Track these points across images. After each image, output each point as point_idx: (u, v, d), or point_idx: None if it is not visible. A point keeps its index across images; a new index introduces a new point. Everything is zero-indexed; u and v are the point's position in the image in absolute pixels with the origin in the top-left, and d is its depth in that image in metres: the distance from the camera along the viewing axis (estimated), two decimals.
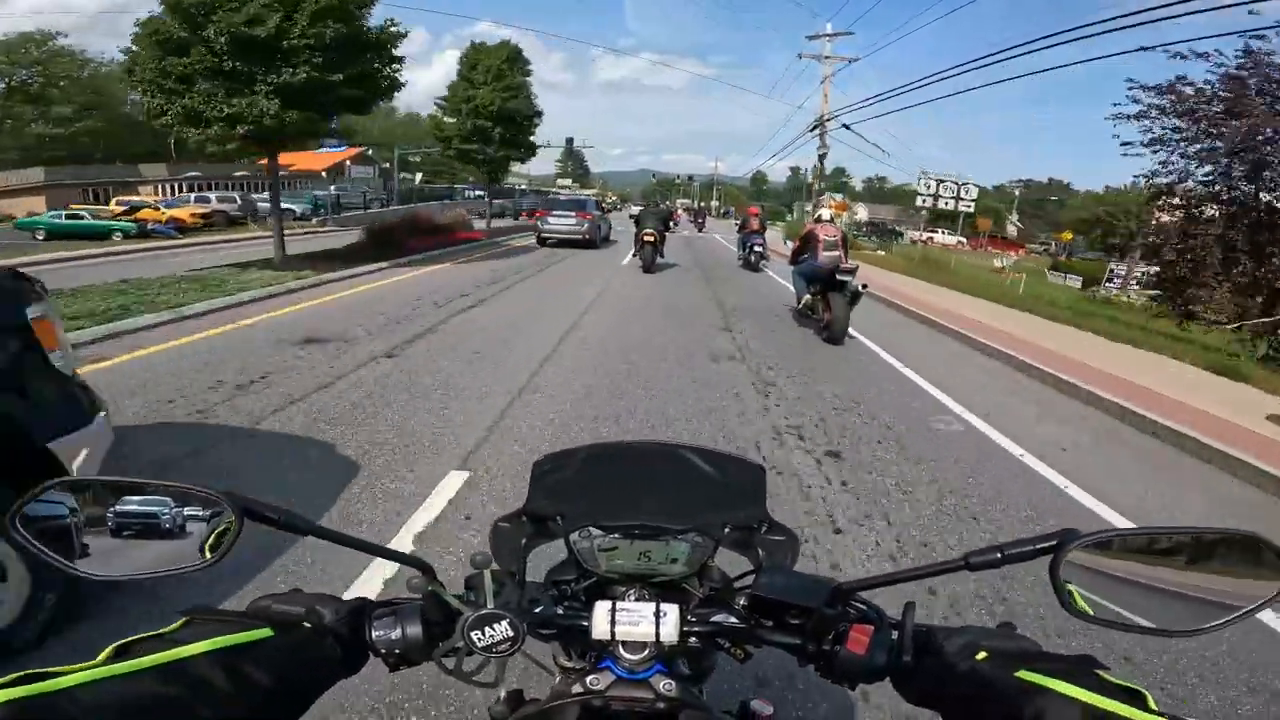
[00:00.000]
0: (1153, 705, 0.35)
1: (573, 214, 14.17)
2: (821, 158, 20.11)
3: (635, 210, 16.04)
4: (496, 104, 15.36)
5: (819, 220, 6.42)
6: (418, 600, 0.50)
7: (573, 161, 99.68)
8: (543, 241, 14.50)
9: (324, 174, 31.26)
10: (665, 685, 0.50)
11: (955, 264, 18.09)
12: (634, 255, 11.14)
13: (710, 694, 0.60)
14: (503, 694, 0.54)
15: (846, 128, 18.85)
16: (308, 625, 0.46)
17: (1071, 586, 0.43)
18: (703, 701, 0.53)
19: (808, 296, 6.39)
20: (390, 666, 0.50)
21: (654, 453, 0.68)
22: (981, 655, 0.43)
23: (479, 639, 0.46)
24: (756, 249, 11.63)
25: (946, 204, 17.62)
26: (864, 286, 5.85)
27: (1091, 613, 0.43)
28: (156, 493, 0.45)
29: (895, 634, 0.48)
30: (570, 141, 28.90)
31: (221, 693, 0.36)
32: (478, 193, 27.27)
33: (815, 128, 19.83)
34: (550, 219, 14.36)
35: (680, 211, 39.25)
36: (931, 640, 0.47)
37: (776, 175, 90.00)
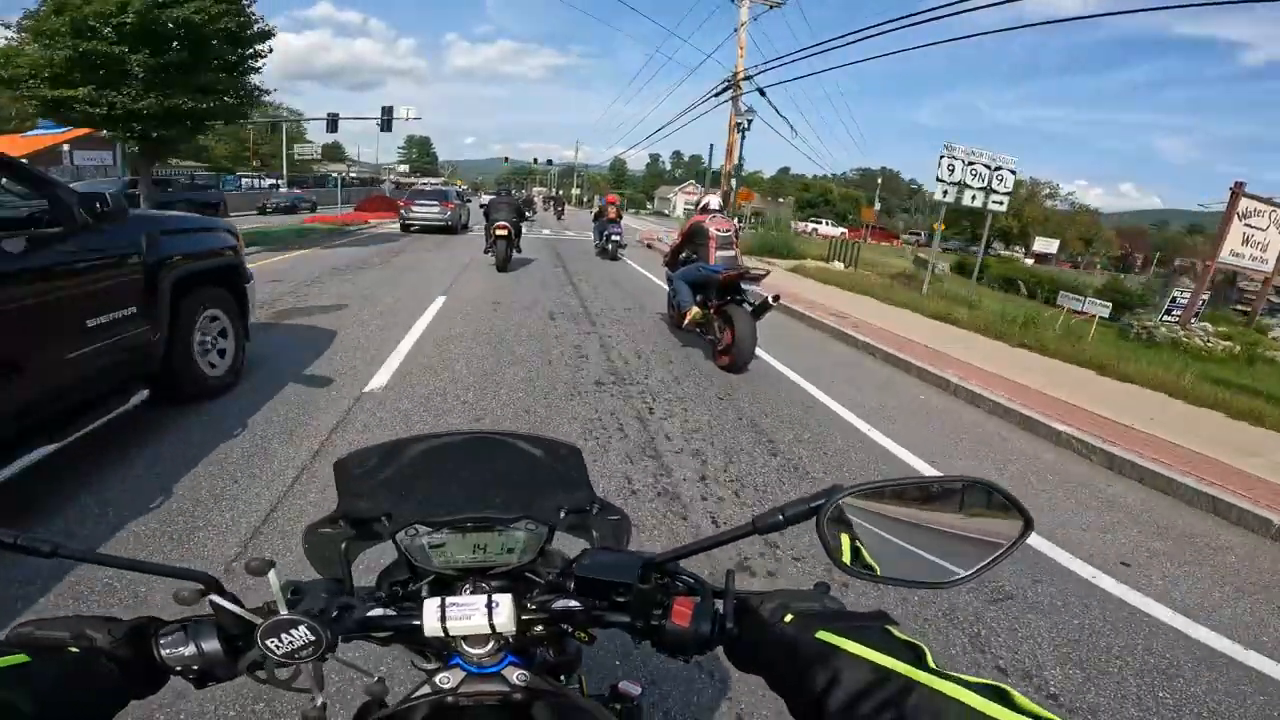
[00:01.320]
0: (930, 662, 0.39)
1: (436, 203, 16.16)
2: (741, 130, 15.72)
3: (485, 200, 15.70)
4: (141, 9, 8.63)
5: (706, 210, 5.24)
6: (210, 615, 0.50)
7: (417, 148, 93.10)
8: (406, 228, 16.03)
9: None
10: (519, 676, 0.51)
11: (858, 259, 15.68)
12: (486, 250, 9.92)
13: (591, 683, 0.60)
14: (319, 700, 0.53)
15: (761, 93, 15.68)
16: (74, 650, 0.45)
17: (857, 542, 0.48)
18: (561, 688, 0.54)
19: (694, 309, 4.96)
20: (195, 684, 0.50)
21: (473, 442, 0.68)
22: (789, 617, 0.46)
23: (276, 646, 0.46)
24: (614, 238, 12.27)
25: (974, 198, 11.01)
26: (775, 298, 4.68)
27: (865, 568, 0.48)
28: None
29: (719, 603, 0.51)
30: (387, 114, 22.22)
31: None
32: (271, 182, 23.84)
33: (727, 89, 15.87)
34: (415, 207, 16.18)
35: (538, 200, 38.79)
36: (749, 607, 0.50)
37: (635, 163, 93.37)
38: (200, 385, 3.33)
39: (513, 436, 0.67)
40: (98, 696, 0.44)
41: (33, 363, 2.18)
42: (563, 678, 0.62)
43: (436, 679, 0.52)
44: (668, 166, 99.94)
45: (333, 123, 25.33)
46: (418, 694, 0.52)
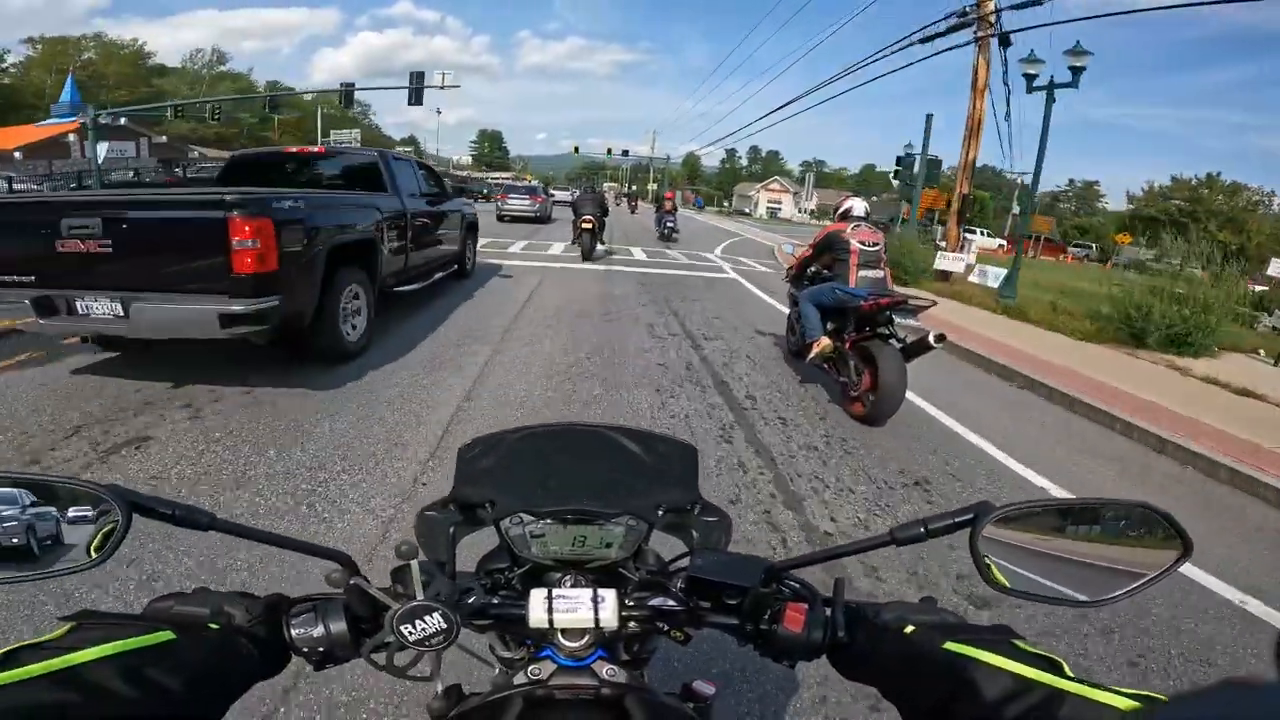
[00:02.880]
0: (1069, 672, 0.41)
1: (527, 197, 20.73)
2: (1045, 93, 9.23)
3: (573, 195, 17.71)
4: None
5: (847, 217, 4.42)
6: (340, 595, 0.53)
7: (489, 142, 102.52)
8: (501, 218, 19.83)
9: (16, 154, 22.58)
10: (608, 671, 0.55)
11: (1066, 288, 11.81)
12: (573, 242, 11.47)
13: (653, 677, 0.66)
14: (440, 688, 0.57)
15: (1003, 42, 10.68)
16: (214, 626, 0.48)
17: (989, 559, 0.50)
18: (647, 685, 0.59)
19: (825, 340, 4.11)
20: (315, 666, 0.53)
21: (584, 435, 0.74)
22: (909, 629, 0.50)
23: (409, 633, 0.49)
24: (669, 224, 17.44)
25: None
26: (940, 338, 3.79)
27: (1008, 584, 0.50)
28: (41, 488, 0.49)
29: (829, 611, 0.55)
30: (417, 81, 20.77)
31: (124, 699, 0.37)
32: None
33: (962, 25, 11.10)
34: (510, 200, 20.46)
35: (609, 196, 43.45)
36: (862, 616, 0.54)
37: (709, 159, 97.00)
38: (466, 271, 8.01)
39: (624, 432, 0.74)
40: (233, 675, 0.47)
41: (433, 252, 6.56)
42: (639, 674, 0.64)
43: (529, 670, 0.56)
44: (744, 163, 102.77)
45: (348, 96, 23.91)
46: (509, 684, 0.55)
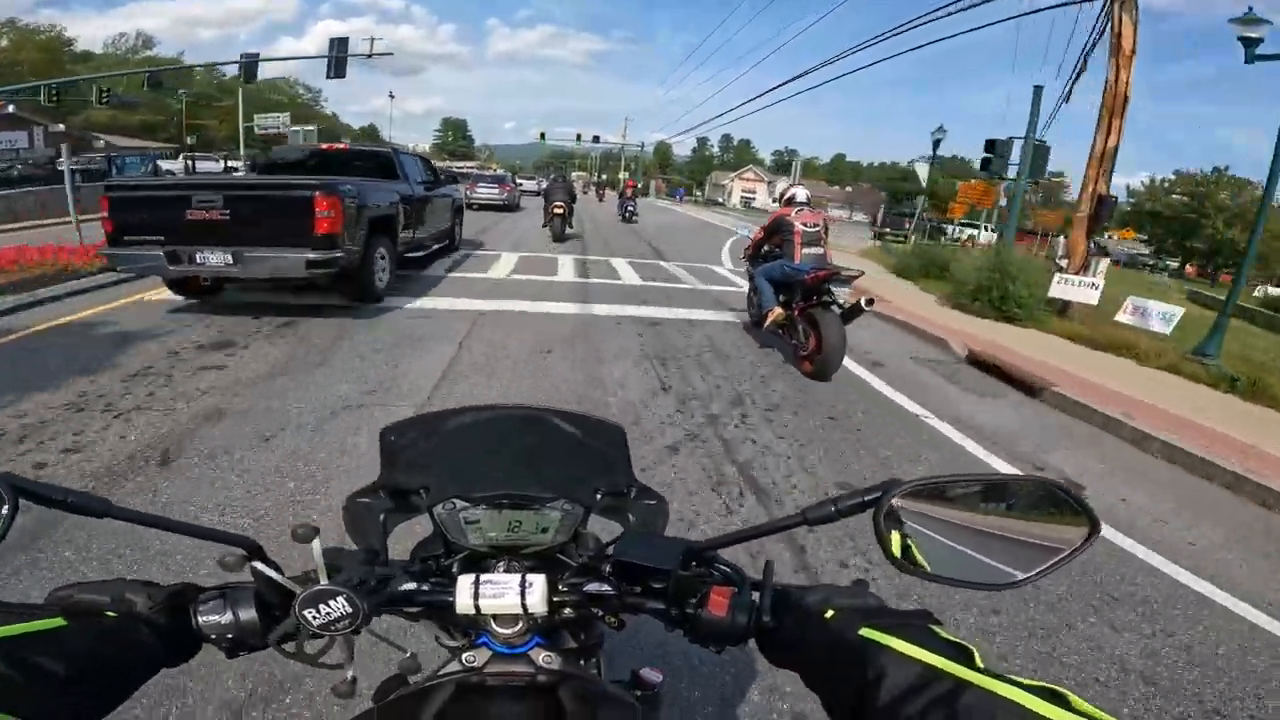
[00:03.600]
0: (979, 662, 0.41)
1: (496, 186, 21.85)
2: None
3: (539, 184, 20.96)
4: None
5: (791, 202, 5.24)
6: (250, 583, 0.54)
7: (453, 130, 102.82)
8: (469, 206, 22.25)
9: None
10: (545, 658, 0.56)
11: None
12: (544, 225, 13.22)
13: (607, 665, 0.68)
14: (350, 675, 0.57)
15: None
16: (111, 614, 0.48)
17: (907, 540, 0.51)
18: (586, 672, 0.59)
19: (777, 310, 5.04)
20: (226, 653, 0.54)
21: (515, 418, 0.74)
22: (830, 613, 0.50)
23: (313, 617, 0.49)
24: (629, 208, 20.50)
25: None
26: (869, 302, 4.77)
27: (919, 566, 0.51)
28: None
29: (756, 595, 0.55)
30: (339, 49, 19.65)
31: (9, 681, 0.38)
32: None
33: None
34: (479, 189, 21.30)
35: (577, 186, 44.80)
36: (788, 600, 0.54)
37: (680, 148, 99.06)
38: (455, 245, 9.78)
39: (555, 414, 0.73)
40: (131, 663, 0.47)
41: (432, 227, 8.30)
42: (583, 662, 0.65)
43: (463, 657, 0.56)
44: (716, 152, 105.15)
45: (249, 70, 21.23)
46: (444, 671, 0.56)
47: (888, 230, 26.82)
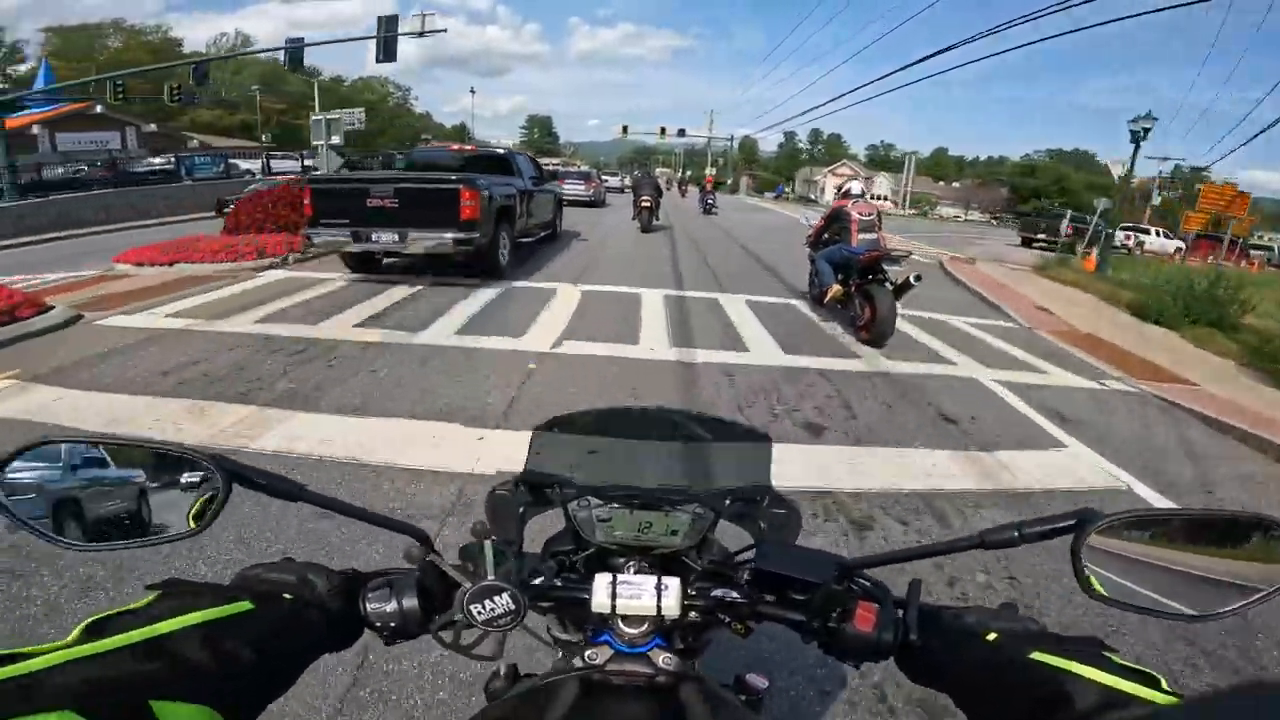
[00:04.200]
0: (1166, 687, 0.39)
1: (582, 183, 23.20)
2: None
3: (621, 181, 22.52)
4: None
5: (848, 195, 6.22)
6: (413, 571, 0.57)
7: (538, 128, 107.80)
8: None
9: None
10: (664, 659, 0.57)
11: None
12: (634, 218, 14.93)
13: (706, 668, 0.67)
14: (501, 669, 0.61)
15: None
16: (290, 598, 0.51)
17: (1088, 567, 0.49)
18: (701, 674, 0.60)
19: (835, 287, 5.98)
20: (385, 640, 0.57)
21: (658, 419, 0.79)
22: (992, 636, 0.50)
23: (479, 612, 0.52)
24: (709, 201, 23.19)
25: None
26: (917, 278, 5.65)
27: (1107, 594, 0.49)
28: (142, 454, 0.53)
29: (900, 612, 0.56)
30: (389, 28, 16.76)
31: (200, 669, 0.40)
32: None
33: None
34: (566, 185, 23.29)
35: (661, 182, 45.98)
36: (938, 620, 0.55)
37: (766, 144, 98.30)
38: (556, 235, 11.41)
39: (696, 418, 0.77)
40: (304, 646, 0.51)
41: (539, 217, 9.85)
42: (693, 664, 0.66)
43: (586, 654, 0.58)
44: (805, 146, 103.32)
45: (295, 57, 18.92)
46: (565, 667, 0.58)
47: (1043, 237, 22.58)
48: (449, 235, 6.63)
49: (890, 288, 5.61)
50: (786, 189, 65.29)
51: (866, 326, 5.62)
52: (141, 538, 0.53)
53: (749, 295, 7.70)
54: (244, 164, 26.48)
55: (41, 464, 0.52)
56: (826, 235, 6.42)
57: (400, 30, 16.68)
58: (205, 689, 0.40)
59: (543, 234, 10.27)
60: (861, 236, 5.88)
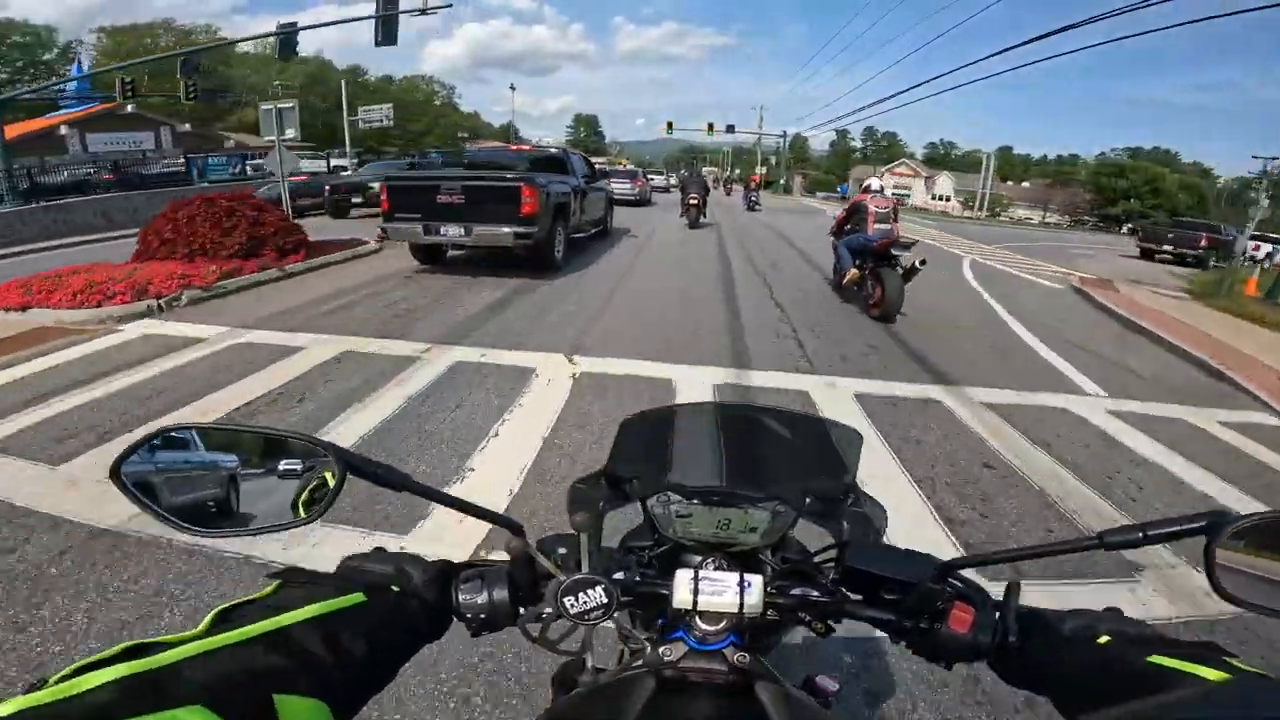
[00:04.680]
0: None
1: (629, 181, 23.73)
2: None
3: (667, 180, 24.08)
4: None
5: (868, 190, 7.16)
6: (503, 563, 0.58)
7: (585, 127, 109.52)
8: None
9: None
10: (739, 657, 0.57)
11: None
12: (681, 215, 16.32)
13: (775, 667, 0.67)
14: (589, 663, 0.61)
15: None
16: (395, 589, 0.53)
17: (1219, 570, 0.48)
18: (775, 674, 0.59)
19: (853, 271, 6.79)
20: (473, 631, 0.58)
21: (738, 415, 0.81)
22: (1104, 639, 0.49)
23: (572, 605, 0.53)
24: (753, 199, 25.43)
25: None
26: (922, 262, 6.47)
27: (1240, 596, 0.48)
28: (261, 443, 0.55)
29: (997, 614, 0.55)
30: (389, 5, 15.71)
31: (318, 661, 0.42)
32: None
33: None
34: (612, 184, 24.07)
35: (708, 180, 45.90)
36: (1039, 621, 0.54)
37: (818, 143, 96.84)
38: (607, 231, 12.02)
39: (782, 415, 0.78)
40: (406, 638, 0.52)
41: (591, 214, 10.42)
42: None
43: (660, 650, 0.58)
44: (858, 145, 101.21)
45: (287, 43, 17.50)
46: (637, 662, 0.59)
47: (1169, 249, 18.85)
48: (510, 229, 7.23)
49: (900, 272, 6.39)
50: (850, 188, 61.77)
51: (877, 304, 6.47)
52: (257, 525, 0.56)
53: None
54: (261, 163, 25.40)
55: (164, 452, 0.55)
56: (849, 225, 7.17)
57: (400, 8, 16.02)
58: (321, 681, 0.41)
59: (595, 230, 10.84)
60: (877, 226, 6.65)
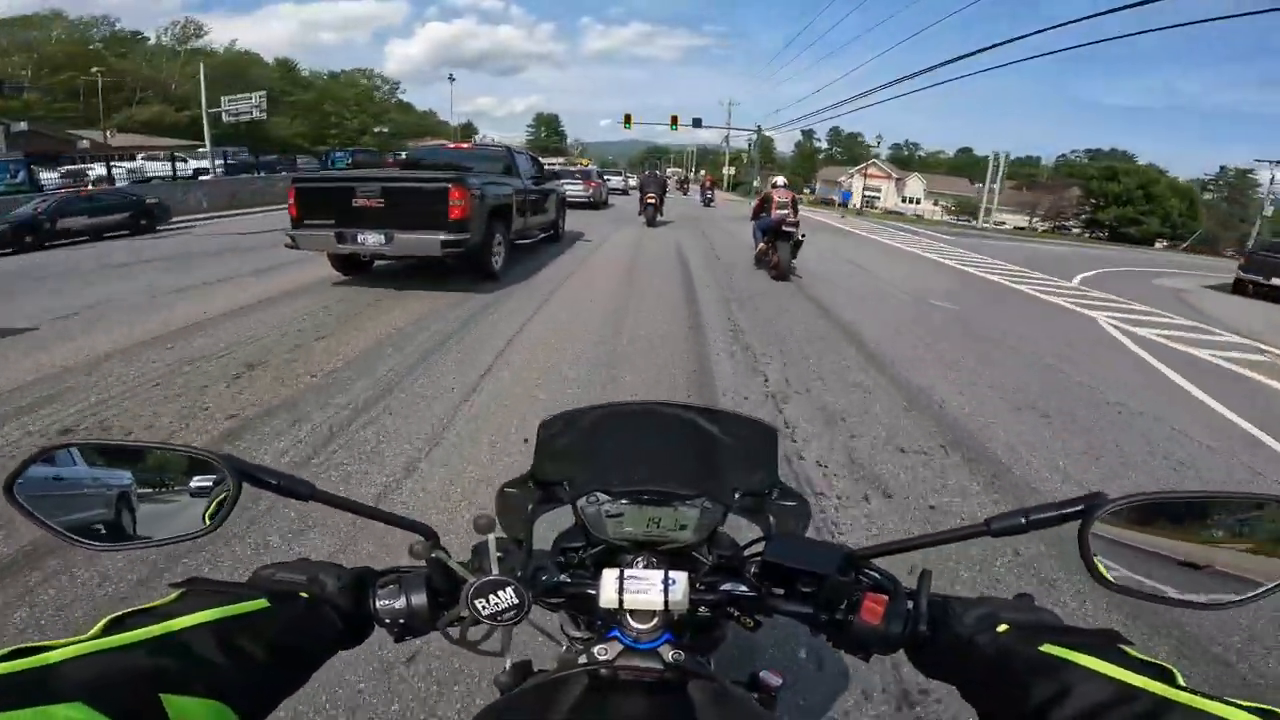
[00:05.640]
0: (1181, 681, 0.40)
1: (580, 182, 21.87)
2: None
3: (625, 180, 26.20)
4: None
5: (775, 186, 9.87)
6: (422, 568, 0.59)
7: (545, 126, 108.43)
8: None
9: None
10: (674, 655, 0.58)
11: None
12: (639, 213, 16.93)
13: (719, 665, 0.69)
14: (509, 663, 0.62)
15: None
16: (305, 596, 0.53)
17: (1096, 555, 0.49)
18: (712, 671, 0.61)
19: (762, 245, 9.70)
20: (395, 637, 0.59)
21: (664, 414, 0.80)
22: (1003, 628, 0.50)
23: (483, 607, 0.53)
24: (708, 196, 29.43)
25: None
26: (803, 236, 9.53)
27: (1117, 582, 0.49)
28: (154, 457, 0.55)
29: (910, 604, 0.56)
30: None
31: (215, 665, 0.42)
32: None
33: None
34: (564, 186, 21.97)
35: (671, 182, 45.81)
36: (948, 611, 0.54)
37: (783, 144, 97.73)
38: (558, 236, 11.23)
39: (703, 412, 0.79)
40: (317, 644, 0.52)
41: (538, 218, 9.68)
42: (705, 661, 0.67)
43: (595, 650, 0.59)
44: (824, 145, 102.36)
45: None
46: (574, 663, 0.59)
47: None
48: (437, 236, 6.41)
49: (789, 244, 9.28)
50: (828, 191, 57.25)
51: (775, 267, 9.28)
52: (157, 537, 0.55)
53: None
54: (153, 166, 24.27)
55: (56, 469, 0.54)
56: (762, 211, 9.75)
57: None
58: (218, 684, 0.41)
59: (543, 235, 10.06)
60: (777, 211, 9.27)
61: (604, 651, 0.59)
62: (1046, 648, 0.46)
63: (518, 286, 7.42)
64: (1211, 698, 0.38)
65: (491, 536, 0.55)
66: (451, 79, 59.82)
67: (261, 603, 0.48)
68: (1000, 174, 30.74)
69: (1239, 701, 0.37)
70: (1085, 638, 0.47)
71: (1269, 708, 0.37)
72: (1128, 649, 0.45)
